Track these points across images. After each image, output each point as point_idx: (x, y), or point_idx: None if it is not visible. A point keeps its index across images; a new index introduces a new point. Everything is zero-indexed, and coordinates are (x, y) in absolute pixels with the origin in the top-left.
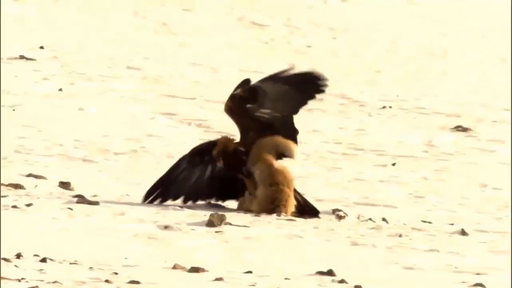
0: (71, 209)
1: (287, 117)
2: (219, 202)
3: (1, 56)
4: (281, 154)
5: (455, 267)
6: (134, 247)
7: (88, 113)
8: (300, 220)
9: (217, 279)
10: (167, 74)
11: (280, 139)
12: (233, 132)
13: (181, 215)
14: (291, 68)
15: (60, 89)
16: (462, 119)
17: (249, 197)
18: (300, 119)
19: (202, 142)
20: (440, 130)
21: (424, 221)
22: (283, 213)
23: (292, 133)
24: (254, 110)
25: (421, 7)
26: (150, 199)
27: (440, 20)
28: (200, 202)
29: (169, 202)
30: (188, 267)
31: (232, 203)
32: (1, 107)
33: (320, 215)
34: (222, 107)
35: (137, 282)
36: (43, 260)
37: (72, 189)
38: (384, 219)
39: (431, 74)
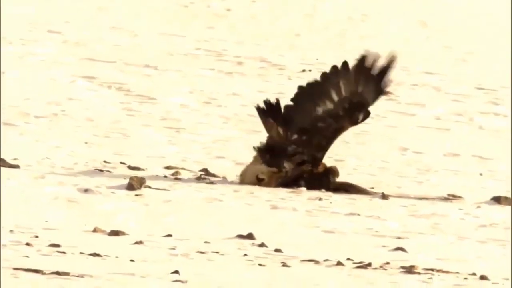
0: None
1: None
2: None
3: None
4: None
5: (376, 231)
6: (55, 210)
7: (8, 77)
8: (219, 184)
9: (137, 243)
10: (87, 38)
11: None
12: (154, 96)
13: (101, 179)
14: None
15: None
16: None
17: None
18: (219, 82)
19: None
20: None
21: None
22: None
23: None
24: None
25: None
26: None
27: None
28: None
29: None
30: (108, 231)
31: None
32: None
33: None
34: (142, 70)
35: (57, 245)
36: None
37: None
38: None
39: (350, 38)
